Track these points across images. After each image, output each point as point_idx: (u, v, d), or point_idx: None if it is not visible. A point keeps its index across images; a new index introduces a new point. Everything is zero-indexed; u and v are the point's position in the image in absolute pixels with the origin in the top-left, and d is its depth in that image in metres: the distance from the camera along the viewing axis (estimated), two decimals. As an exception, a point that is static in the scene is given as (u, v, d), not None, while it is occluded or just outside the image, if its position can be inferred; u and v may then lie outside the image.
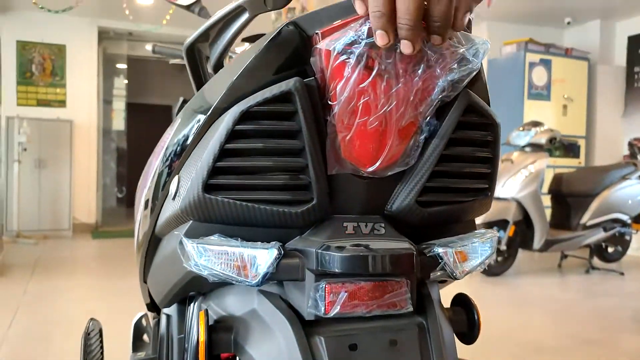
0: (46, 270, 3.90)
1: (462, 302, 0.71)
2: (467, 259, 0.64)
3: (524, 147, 4.08)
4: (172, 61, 1.99)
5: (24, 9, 5.70)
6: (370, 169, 0.57)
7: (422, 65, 0.52)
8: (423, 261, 0.62)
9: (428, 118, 0.56)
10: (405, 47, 0.47)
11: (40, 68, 6.10)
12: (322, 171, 0.57)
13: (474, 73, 0.55)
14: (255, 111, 0.54)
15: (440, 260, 0.62)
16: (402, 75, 0.52)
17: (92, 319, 0.95)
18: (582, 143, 5.79)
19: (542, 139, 4.01)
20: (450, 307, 0.71)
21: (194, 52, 0.79)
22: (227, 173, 0.56)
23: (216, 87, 0.59)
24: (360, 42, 0.50)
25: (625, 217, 4.29)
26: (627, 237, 4.46)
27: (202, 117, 0.60)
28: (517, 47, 5.55)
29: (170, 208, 0.65)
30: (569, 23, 6.07)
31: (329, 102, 0.54)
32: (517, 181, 3.92)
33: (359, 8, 0.49)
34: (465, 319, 0.69)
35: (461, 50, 0.52)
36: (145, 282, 0.88)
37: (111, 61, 7.22)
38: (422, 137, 0.58)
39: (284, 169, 0.56)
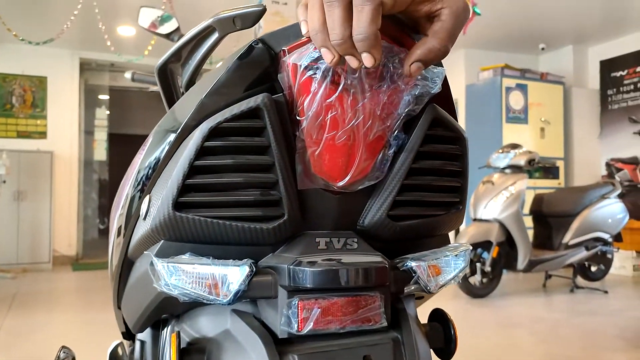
0: (24, 305, 3.79)
1: (438, 317, 0.71)
2: (441, 272, 0.65)
3: (504, 169, 4.14)
4: (152, 89, 1.99)
5: (4, 41, 5.69)
6: (341, 184, 0.57)
7: (387, 80, 0.53)
8: (396, 275, 0.62)
9: (396, 132, 0.57)
10: (352, 61, 0.48)
11: (20, 100, 6.06)
12: (292, 187, 0.57)
13: (434, 93, 0.57)
14: (224, 127, 0.54)
15: (413, 274, 0.62)
16: (368, 89, 0.53)
17: (63, 347, 0.92)
18: (560, 164, 5.89)
19: (522, 161, 4.07)
20: (427, 322, 0.71)
21: (166, 73, 0.80)
22: (197, 190, 0.56)
23: (186, 105, 0.60)
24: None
25: (606, 236, 4.35)
26: (609, 256, 4.51)
27: (172, 136, 0.60)
28: (494, 73, 5.69)
29: (141, 229, 0.64)
30: (543, 49, 6.26)
31: (297, 118, 0.55)
32: (498, 202, 3.96)
33: (303, 28, 0.50)
34: (442, 334, 0.69)
35: (424, 71, 0.54)
36: (119, 307, 0.87)
37: (93, 92, 7.21)
38: (391, 151, 0.58)
39: (254, 185, 0.56)
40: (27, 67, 6.03)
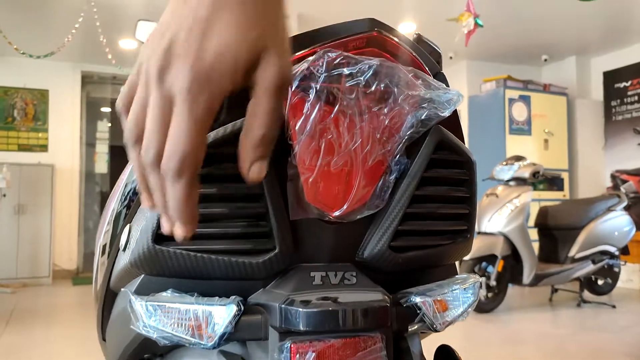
0: (22, 321, 3.73)
1: (445, 354, 0.65)
2: (448, 308, 0.59)
3: (508, 181, 4.08)
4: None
5: (6, 55, 5.69)
6: (337, 213, 0.52)
7: (389, 102, 0.48)
8: (399, 312, 0.56)
9: (397, 156, 0.52)
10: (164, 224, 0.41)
11: (22, 113, 6.05)
12: (284, 217, 0.52)
13: (443, 118, 0.52)
14: (208, 153, 0.49)
15: (418, 311, 0.57)
16: (367, 111, 0.48)
17: None
18: (565, 176, 5.83)
19: (526, 173, 4.02)
20: (433, 360, 0.66)
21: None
22: None
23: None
24: (320, 77, 0.46)
25: (613, 249, 4.28)
26: (616, 269, 4.43)
27: None
28: (497, 84, 5.65)
29: (122, 261, 0.59)
30: (545, 60, 6.23)
31: (289, 142, 0.50)
32: (503, 215, 3.90)
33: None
34: (450, 374, 0.63)
35: (431, 95, 0.49)
36: (104, 339, 0.81)
37: (95, 105, 7.21)
38: (392, 176, 0.53)
39: (241, 215, 0.51)
40: (29, 81, 6.02)
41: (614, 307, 4.16)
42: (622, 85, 5.93)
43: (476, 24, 3.93)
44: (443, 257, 0.62)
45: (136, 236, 0.53)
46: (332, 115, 0.48)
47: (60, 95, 6.17)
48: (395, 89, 0.47)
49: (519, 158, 4.13)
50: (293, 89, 0.47)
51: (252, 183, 0.41)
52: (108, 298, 0.71)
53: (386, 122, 0.49)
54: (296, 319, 0.50)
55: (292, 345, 0.50)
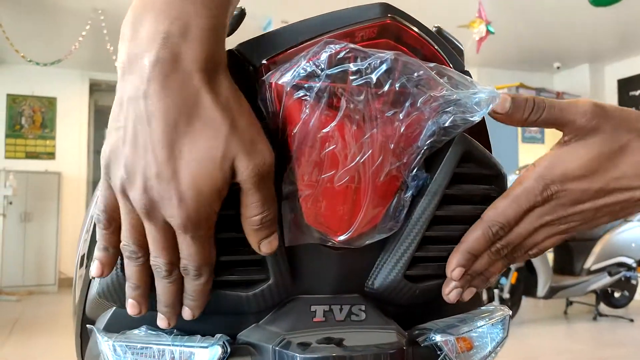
0: (26, 330, 3.67)
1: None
2: (473, 347, 0.50)
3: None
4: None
5: (14, 63, 5.69)
6: (342, 238, 0.44)
7: (406, 105, 0.40)
8: (417, 354, 0.48)
9: (415, 170, 0.44)
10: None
11: (30, 120, 6.04)
12: (278, 243, 0.44)
13: (472, 124, 0.43)
14: None
15: (439, 352, 0.48)
16: (378, 116, 0.40)
17: None
18: (579, 185, 5.70)
19: (540, 183, 3.91)
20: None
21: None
22: None
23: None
24: (320, 74, 0.38)
25: (630, 261, 4.15)
26: (634, 282, 4.30)
27: None
28: (509, 92, 5.56)
29: (93, 290, 0.51)
30: (558, 67, 6.12)
31: (285, 153, 0.42)
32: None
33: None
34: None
35: (459, 96, 0.40)
36: None
37: (102, 113, 7.20)
38: (408, 194, 0.45)
39: (230, 241, 0.43)
40: (37, 88, 6.02)
41: (631, 320, 4.02)
42: (637, 93, 5.80)
43: (488, 31, 3.85)
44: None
45: (106, 263, 0.46)
46: (335, 121, 0.40)
47: (68, 103, 6.16)
48: (414, 90, 0.39)
49: (532, 167, 4.03)
50: (289, 89, 0.39)
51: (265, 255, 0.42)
52: (85, 326, 0.63)
53: (402, 129, 0.41)
54: None
55: (288, 397, 0.42)
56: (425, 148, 0.43)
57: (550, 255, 4.12)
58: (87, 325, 0.50)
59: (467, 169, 0.47)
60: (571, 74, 6.28)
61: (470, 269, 0.46)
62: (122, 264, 0.43)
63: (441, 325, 0.50)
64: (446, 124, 0.41)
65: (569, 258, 4.21)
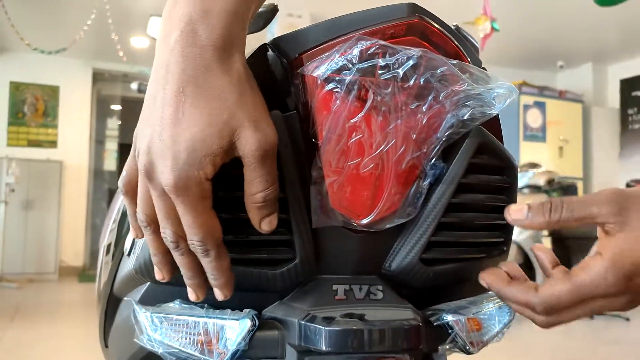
0: (27, 317, 3.71)
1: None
2: (482, 327, 0.54)
3: (521, 188, 4.01)
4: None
5: (18, 50, 5.70)
6: (365, 221, 0.47)
7: (429, 99, 0.43)
8: (429, 332, 0.51)
9: (433, 160, 0.47)
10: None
11: (32, 109, 6.05)
12: (305, 224, 0.47)
13: (489, 117, 0.47)
14: None
15: (450, 331, 0.51)
16: (403, 108, 0.43)
17: None
18: (579, 185, 5.74)
19: (540, 181, 3.95)
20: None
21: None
22: None
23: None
24: (351, 68, 0.41)
25: (627, 261, 4.18)
26: (630, 281, 4.33)
27: None
28: (511, 89, 5.59)
29: (126, 267, 0.54)
30: (561, 66, 6.14)
31: (314, 141, 0.45)
32: (516, 224, 3.83)
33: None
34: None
35: (479, 90, 0.44)
36: (107, 346, 0.77)
37: (105, 102, 7.21)
38: (427, 182, 0.48)
39: None
40: (40, 76, 6.03)
41: (627, 319, 4.06)
42: (639, 93, 5.83)
43: (492, 28, 3.87)
44: (476, 272, 0.56)
45: (142, 241, 0.49)
46: (363, 112, 0.43)
47: (70, 92, 6.17)
48: (437, 84, 0.42)
49: (533, 165, 4.06)
50: (320, 82, 0.42)
51: (265, 233, 0.43)
52: (111, 303, 0.66)
53: (424, 121, 0.44)
54: (317, 337, 0.45)
55: (311, 367, 0.45)
56: (444, 139, 0.46)
57: (548, 253, 4.16)
58: (125, 298, 0.53)
59: (482, 160, 0.50)
60: (574, 73, 6.31)
61: None
62: (160, 241, 0.46)
63: (452, 306, 0.54)
64: (465, 117, 0.44)
65: (567, 256, 4.25)
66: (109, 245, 0.70)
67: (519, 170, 4.13)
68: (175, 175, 0.37)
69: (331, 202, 0.46)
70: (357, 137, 0.44)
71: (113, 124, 7.51)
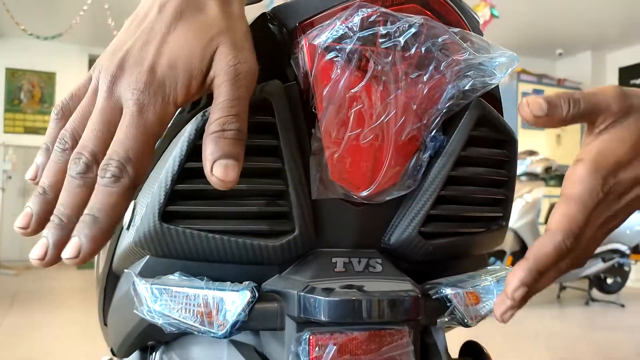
0: (25, 303, 3.72)
1: (473, 351, 0.60)
2: (480, 301, 0.54)
3: (519, 176, 4.01)
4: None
5: (14, 36, 5.66)
6: (364, 193, 0.47)
7: (430, 69, 0.43)
8: (428, 305, 0.51)
9: (433, 132, 0.47)
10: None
11: (29, 95, 6.02)
12: (305, 196, 0.47)
13: (491, 87, 0.46)
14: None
15: (448, 304, 0.52)
16: (403, 78, 0.43)
17: None
18: (576, 172, 5.75)
19: (538, 168, 3.95)
20: (458, 357, 0.61)
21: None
22: (189, 197, 0.46)
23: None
24: (352, 36, 0.41)
25: (624, 248, 4.21)
26: (626, 268, 4.37)
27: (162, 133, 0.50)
28: (510, 78, 5.57)
29: (125, 240, 0.54)
30: (560, 54, 6.13)
31: (314, 111, 0.45)
32: (514, 210, 3.83)
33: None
34: (478, 373, 0.58)
35: (481, 60, 0.43)
36: (105, 324, 0.77)
37: (102, 89, 7.18)
38: (426, 154, 0.48)
39: (258, 193, 0.46)
40: (36, 63, 6.00)
41: (622, 306, 4.10)
42: (638, 81, 5.82)
43: (492, 15, 3.85)
44: (475, 247, 0.57)
45: (141, 213, 0.49)
46: (363, 82, 0.43)
47: (67, 78, 6.14)
48: (438, 53, 0.41)
49: (531, 153, 4.06)
50: (320, 51, 0.42)
51: (217, 186, 0.36)
52: (110, 280, 0.66)
53: (424, 91, 0.43)
54: (316, 308, 0.45)
55: (311, 337, 0.45)
56: (444, 111, 0.46)
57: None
58: (125, 270, 0.53)
59: (482, 133, 0.50)
60: (573, 61, 6.29)
61: (533, 287, 0.40)
62: (159, 211, 0.46)
63: (451, 280, 0.54)
64: (466, 88, 0.44)
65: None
66: None
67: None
68: (144, 84, 0.35)
69: (331, 173, 0.46)
70: (357, 107, 0.43)
71: (110, 111, 7.49)
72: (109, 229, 0.34)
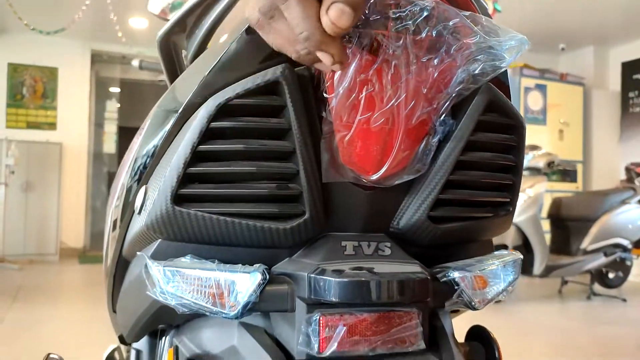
0: (28, 298, 3.74)
1: (479, 335, 0.61)
2: (487, 285, 0.55)
3: (521, 170, 4.01)
4: (161, 78, 1.91)
5: (16, 31, 5.65)
6: (374, 177, 0.48)
7: (440, 52, 0.43)
8: (436, 288, 0.52)
9: (443, 116, 0.47)
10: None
11: (31, 90, 6.02)
12: (316, 179, 0.47)
13: (501, 70, 0.47)
14: (234, 105, 0.45)
15: (456, 287, 0.52)
16: (414, 62, 0.43)
17: (50, 354, 0.84)
18: (579, 168, 5.74)
19: (540, 163, 3.95)
20: (465, 341, 0.61)
21: (169, 46, 0.70)
22: (201, 181, 0.47)
23: (190, 80, 0.50)
24: (363, 20, 0.41)
25: (625, 242, 4.21)
26: (628, 263, 4.37)
27: (173, 117, 0.51)
28: (513, 72, 5.55)
29: (136, 225, 0.55)
30: (563, 49, 6.11)
31: (325, 95, 0.45)
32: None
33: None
34: (484, 356, 0.59)
35: (491, 43, 0.44)
36: (114, 311, 0.78)
37: (104, 84, 7.17)
38: (436, 139, 0.48)
39: (269, 176, 0.47)
40: (38, 58, 5.99)
41: (624, 300, 4.10)
42: (640, 76, 5.80)
43: (495, 9, 3.83)
44: (482, 232, 0.57)
45: (153, 197, 0.49)
46: (375, 66, 0.43)
47: (69, 74, 6.13)
48: (449, 37, 0.42)
49: (534, 147, 4.05)
50: (333, 34, 0.42)
51: (327, 29, 0.37)
52: (120, 266, 0.67)
53: (435, 75, 0.44)
54: (326, 289, 0.45)
55: (321, 318, 0.46)
56: (454, 95, 0.46)
57: (547, 236, 4.18)
58: (138, 252, 0.54)
59: (491, 118, 0.50)
60: (576, 56, 6.27)
61: None
62: (172, 194, 0.46)
63: (459, 264, 0.55)
64: (476, 72, 0.44)
65: (565, 238, 4.28)
66: (115, 221, 0.70)
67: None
68: None
69: (341, 157, 0.47)
70: (368, 91, 0.44)
71: (112, 106, 7.47)
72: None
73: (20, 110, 5.97)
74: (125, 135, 8.49)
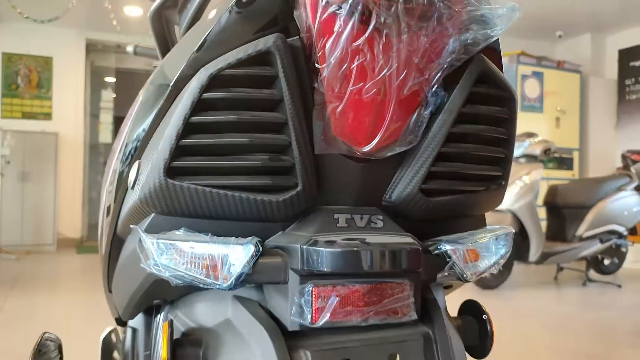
0: (26, 287, 3.74)
1: (472, 310, 0.61)
2: (479, 258, 0.55)
3: (518, 157, 4.01)
4: (156, 64, 1.89)
5: (10, 20, 5.60)
6: (366, 149, 0.48)
7: (432, 21, 0.43)
8: (428, 260, 0.52)
9: (435, 87, 0.47)
10: None
11: (26, 80, 5.98)
12: (308, 151, 0.47)
13: (492, 39, 0.47)
14: (226, 75, 0.45)
15: (448, 260, 0.53)
16: (406, 31, 0.43)
17: (45, 334, 0.84)
18: (575, 155, 5.75)
19: (537, 150, 3.95)
20: (458, 315, 0.62)
21: (161, 21, 0.70)
22: (193, 153, 0.47)
23: (182, 53, 0.50)
24: (354, -12, 0.41)
25: (621, 229, 4.23)
26: (623, 249, 4.39)
27: (166, 91, 0.51)
28: (509, 60, 5.54)
29: (130, 200, 0.55)
30: (560, 36, 6.09)
31: (317, 65, 0.45)
32: (512, 192, 3.85)
33: None
34: (477, 330, 0.60)
35: (482, 11, 0.44)
36: (110, 291, 0.78)
37: (99, 74, 7.12)
38: (428, 110, 0.48)
39: (261, 147, 0.47)
40: (33, 47, 5.94)
41: (619, 286, 4.13)
42: (637, 63, 5.80)
43: (491, -5, 3.81)
44: (475, 206, 0.57)
45: (146, 171, 0.49)
46: (366, 35, 0.43)
47: (64, 63, 6.09)
48: (440, 5, 0.42)
49: (530, 135, 4.06)
50: (324, 3, 0.42)
51: None
52: (115, 245, 0.67)
53: (426, 44, 0.44)
54: (319, 260, 0.46)
55: (314, 289, 0.47)
56: (445, 65, 0.46)
57: (543, 223, 4.19)
58: (131, 226, 0.54)
59: (483, 89, 0.50)
60: (573, 43, 6.26)
61: None
62: (165, 167, 0.46)
63: (451, 237, 0.55)
64: (468, 41, 0.44)
65: (561, 225, 4.30)
66: (108, 207, 0.70)
67: (515, 140, 4.16)
68: None
69: (333, 128, 0.47)
70: (360, 61, 0.44)
71: (107, 96, 7.42)
72: None
73: (15, 100, 5.93)
74: (121, 125, 8.42)
